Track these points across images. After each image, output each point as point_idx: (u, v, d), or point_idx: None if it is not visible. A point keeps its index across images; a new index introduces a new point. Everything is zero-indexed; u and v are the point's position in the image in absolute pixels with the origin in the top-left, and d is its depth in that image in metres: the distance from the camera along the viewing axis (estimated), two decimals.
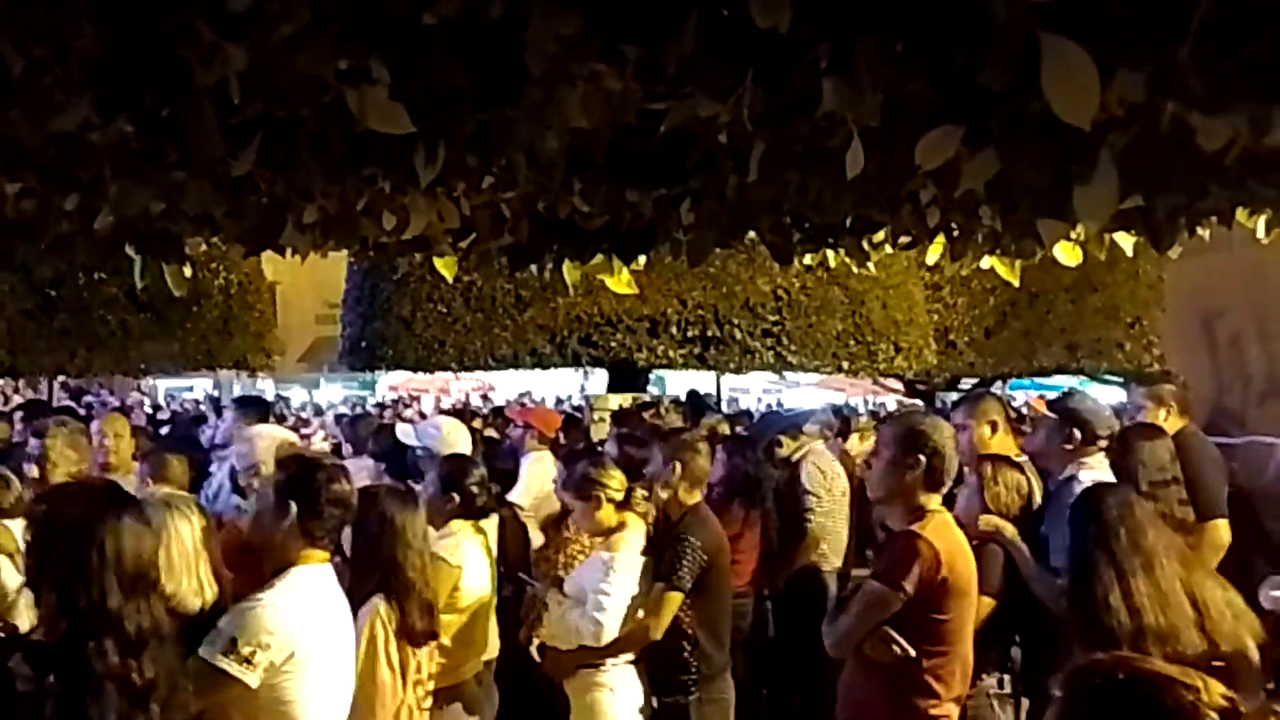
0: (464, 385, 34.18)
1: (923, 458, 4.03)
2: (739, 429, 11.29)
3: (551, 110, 2.21)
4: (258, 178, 2.82)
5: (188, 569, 3.50)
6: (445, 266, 4.35)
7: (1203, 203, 3.13)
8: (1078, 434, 5.18)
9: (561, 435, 8.59)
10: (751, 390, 34.26)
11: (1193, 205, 3.18)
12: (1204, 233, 3.95)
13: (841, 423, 15.55)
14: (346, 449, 8.62)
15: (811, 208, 3.64)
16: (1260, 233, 3.92)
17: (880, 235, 4.25)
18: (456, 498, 5.01)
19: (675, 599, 5.07)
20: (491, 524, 5.93)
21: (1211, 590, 4.14)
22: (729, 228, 3.78)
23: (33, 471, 5.73)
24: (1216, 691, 1.82)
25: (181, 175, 2.79)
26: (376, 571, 4.21)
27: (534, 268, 4.64)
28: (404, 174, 2.69)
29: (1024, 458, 5.57)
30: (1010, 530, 4.87)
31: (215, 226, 3.48)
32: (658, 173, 3.07)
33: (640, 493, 5.39)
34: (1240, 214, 3.76)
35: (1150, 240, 3.74)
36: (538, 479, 7.18)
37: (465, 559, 4.92)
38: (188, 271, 4.21)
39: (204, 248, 4.06)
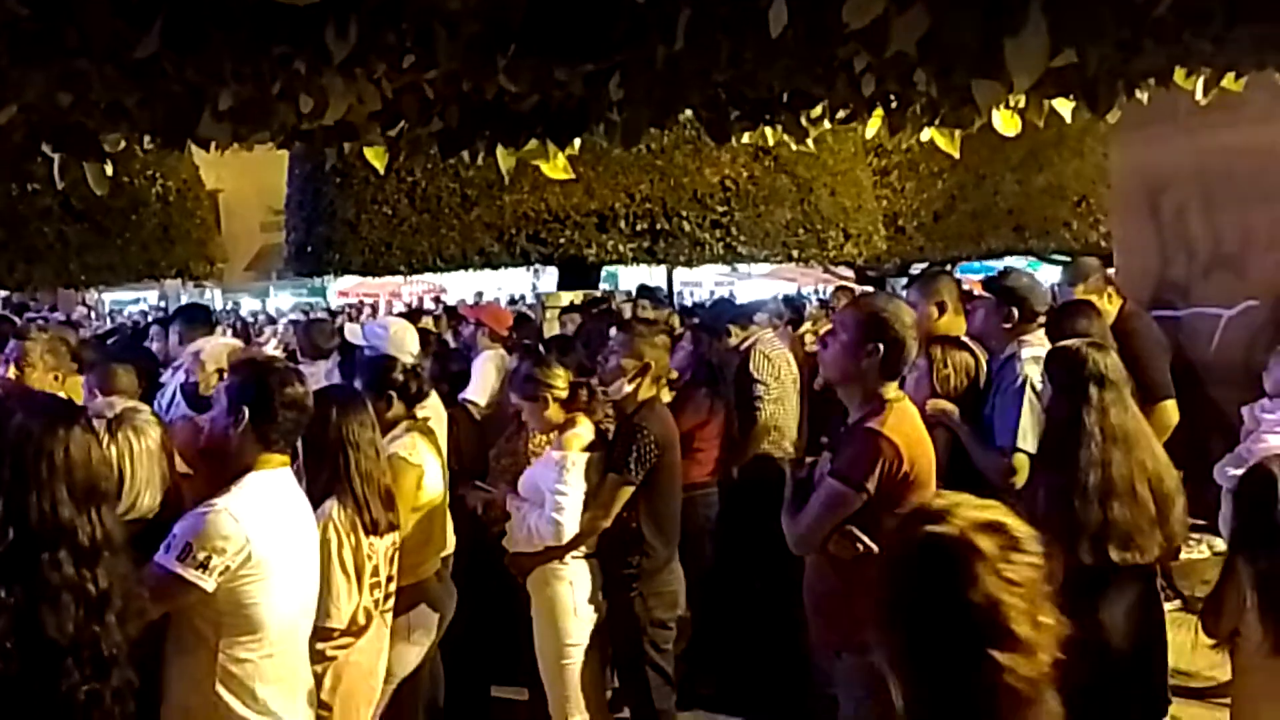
0: (415, 289, 34.05)
1: (881, 345, 3.89)
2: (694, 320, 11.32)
3: None
4: (165, 62, 2.72)
5: (147, 481, 3.49)
6: (375, 157, 4.25)
7: (1138, 60, 3.08)
8: (1015, 312, 5.17)
9: (513, 333, 8.55)
10: (703, 283, 34.29)
11: (1128, 63, 3.13)
12: (1143, 96, 3.91)
13: (793, 313, 15.64)
14: (302, 356, 8.55)
15: (744, 81, 3.57)
16: (1199, 94, 3.88)
17: (818, 110, 4.18)
18: (392, 395, 4.96)
19: (626, 491, 5.08)
20: (443, 422, 5.92)
21: (1171, 480, 4.18)
22: (661, 104, 3.69)
23: (10, 372, 5.69)
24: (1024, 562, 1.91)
25: (85, 62, 2.69)
26: (326, 470, 4.20)
27: (473, 159, 4.54)
28: (317, 52, 2.60)
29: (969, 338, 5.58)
30: (955, 412, 4.88)
31: (129, 119, 3.37)
32: (583, 47, 2.99)
33: (598, 390, 5.39)
34: (1179, 75, 3.72)
35: (1088, 104, 3.69)
36: (492, 377, 7.14)
37: (422, 458, 4.91)
38: (109, 170, 4.09)
39: (123, 146, 3.94)
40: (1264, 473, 4.17)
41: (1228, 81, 3.83)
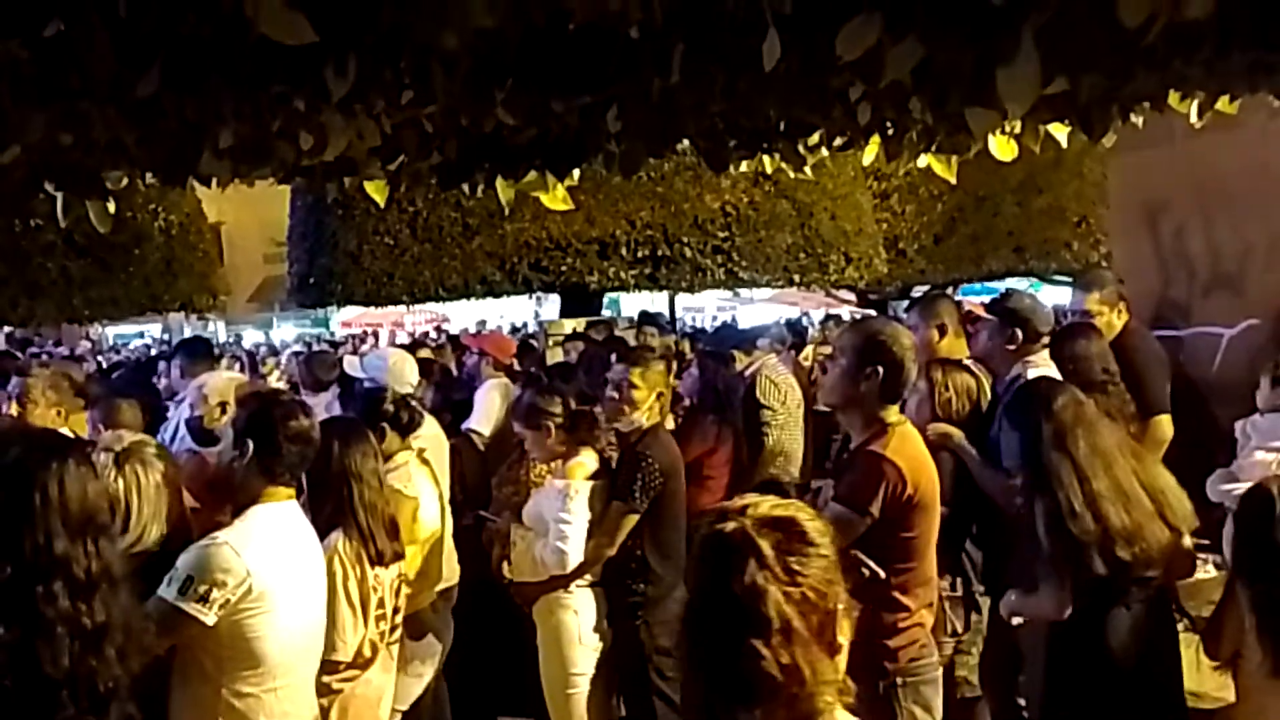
0: (418, 318, 34.05)
1: (880, 369, 3.88)
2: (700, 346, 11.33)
3: (452, 7, 2.14)
4: (165, 102, 2.74)
5: (154, 515, 3.50)
6: (376, 190, 4.27)
7: (1131, 86, 3.10)
8: (1019, 333, 5.19)
9: (516, 361, 8.57)
10: (706, 309, 34.27)
11: (1121, 89, 3.15)
12: (1138, 120, 3.92)
13: (795, 338, 15.64)
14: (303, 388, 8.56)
15: (741, 111, 3.59)
16: (1194, 117, 3.90)
17: (815, 138, 4.20)
18: (384, 427, 4.96)
19: (631, 520, 5.08)
20: (443, 452, 5.92)
21: (1165, 477, 4.18)
22: (659, 135, 3.71)
23: (11, 409, 5.70)
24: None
25: (86, 103, 2.71)
26: (330, 502, 4.21)
27: (473, 190, 4.56)
28: (316, 90, 2.61)
29: (971, 360, 5.59)
30: (958, 435, 4.88)
31: (130, 158, 3.40)
32: (579, 80, 3.01)
33: (599, 419, 5.40)
34: (1173, 99, 3.74)
35: (1083, 128, 3.71)
36: (496, 406, 7.15)
37: (418, 490, 4.92)
38: (112, 208, 4.12)
39: (126, 183, 3.95)
40: (1263, 494, 4.17)
41: (1222, 104, 3.85)
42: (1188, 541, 4.23)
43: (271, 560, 3.42)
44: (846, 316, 20.73)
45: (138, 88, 2.55)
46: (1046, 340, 5.31)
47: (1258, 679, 4.06)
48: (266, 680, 3.43)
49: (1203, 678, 4.70)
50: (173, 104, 2.79)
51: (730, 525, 2.01)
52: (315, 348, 18.70)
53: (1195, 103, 3.81)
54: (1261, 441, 5.19)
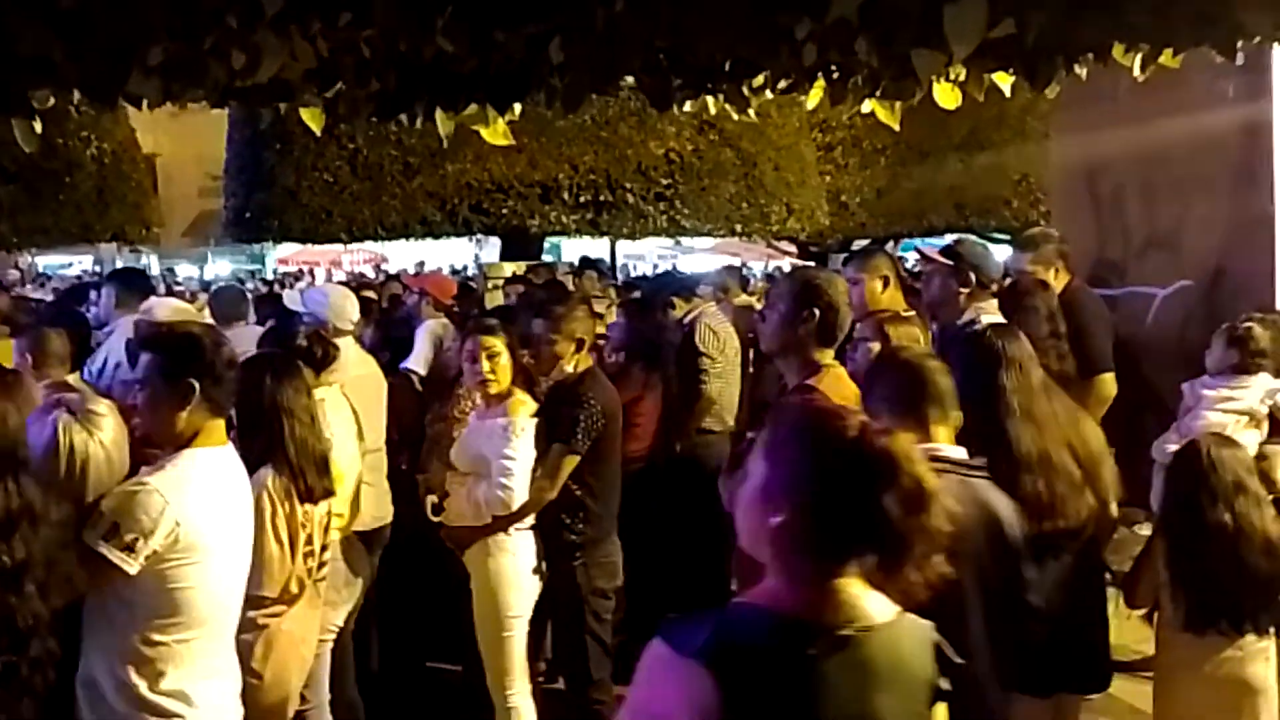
0: (356, 257, 33.76)
1: (816, 311, 4.00)
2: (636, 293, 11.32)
3: None
4: (93, 15, 2.64)
5: (114, 476, 3.28)
6: (312, 118, 4.18)
7: (1077, 33, 3.09)
8: (973, 278, 5.21)
9: (455, 304, 8.50)
10: (646, 256, 34.21)
11: (1067, 35, 3.14)
12: (1082, 72, 3.92)
13: (739, 283, 15.65)
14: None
15: (686, 48, 3.55)
16: (1136, 70, 3.91)
17: (760, 80, 4.17)
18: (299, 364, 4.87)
19: (572, 461, 5.05)
20: (379, 391, 5.87)
21: (1098, 441, 4.22)
22: (603, 69, 3.65)
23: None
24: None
25: (10, 16, 2.61)
26: (260, 437, 4.15)
27: (412, 122, 4.47)
28: (249, 7, 2.54)
29: (912, 313, 5.61)
30: None
31: (57, 75, 3.28)
32: (522, 8, 2.95)
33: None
34: (1118, 52, 3.74)
35: (1027, 77, 3.70)
36: (430, 344, 7.09)
37: (333, 429, 4.85)
38: (39, 128, 3.98)
39: (52, 102, 3.82)
40: (1192, 448, 4.24)
41: (1165, 58, 3.85)
42: (1113, 509, 4.28)
43: (203, 510, 3.27)
44: (788, 269, 20.78)
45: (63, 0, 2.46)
46: (994, 289, 5.36)
47: (1171, 632, 4.16)
48: (183, 630, 3.28)
49: (1124, 630, 4.79)
50: (100, 18, 2.69)
51: None
52: (249, 284, 18.49)
53: (1139, 56, 3.81)
54: (1210, 403, 5.27)
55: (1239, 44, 3.47)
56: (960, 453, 3.38)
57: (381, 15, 2.83)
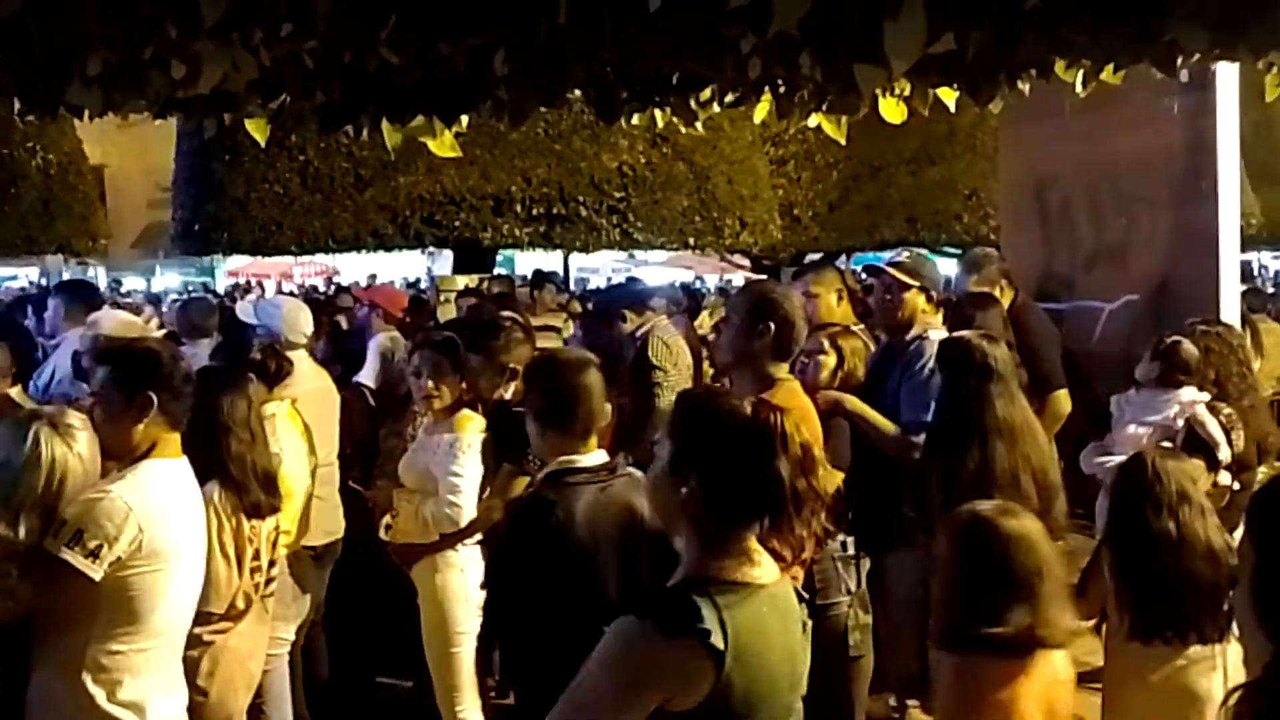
0: (307, 270, 33.51)
1: (772, 325, 4.05)
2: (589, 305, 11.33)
3: None
4: (29, 24, 2.61)
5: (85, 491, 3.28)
6: (257, 129, 4.14)
7: (1018, 49, 3.12)
8: (925, 293, 5.24)
9: (407, 316, 8.46)
10: (600, 270, 34.18)
11: (1008, 52, 3.17)
12: (1024, 88, 3.96)
13: (691, 300, 15.66)
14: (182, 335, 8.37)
15: (632, 60, 3.55)
16: (1078, 87, 3.95)
17: (707, 93, 4.18)
18: (251, 377, 4.84)
19: (522, 482, 5.01)
20: (331, 405, 5.83)
21: (1054, 472, 4.26)
22: (548, 82, 3.65)
23: None
24: None
25: None
26: (204, 453, 4.11)
27: (358, 134, 4.44)
28: (188, 16, 2.51)
29: (860, 326, 5.63)
30: (849, 399, 4.91)
31: None
32: (465, 20, 2.94)
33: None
34: (1060, 68, 3.78)
35: (969, 93, 3.74)
36: (384, 359, 7.05)
37: (283, 444, 4.81)
38: None
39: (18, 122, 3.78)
40: (1137, 461, 4.28)
41: (1106, 75, 3.90)
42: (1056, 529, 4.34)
43: (163, 520, 3.30)
44: (740, 283, 20.83)
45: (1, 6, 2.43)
46: (939, 303, 5.40)
47: (1118, 642, 4.19)
48: (140, 639, 3.30)
49: (1075, 644, 4.83)
50: (38, 27, 2.66)
51: None
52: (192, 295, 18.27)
53: (1081, 72, 3.86)
54: (1135, 415, 5.32)
55: (1179, 61, 3.52)
56: (598, 458, 3.44)
57: (324, 26, 2.81)
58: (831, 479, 2.56)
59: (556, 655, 2.84)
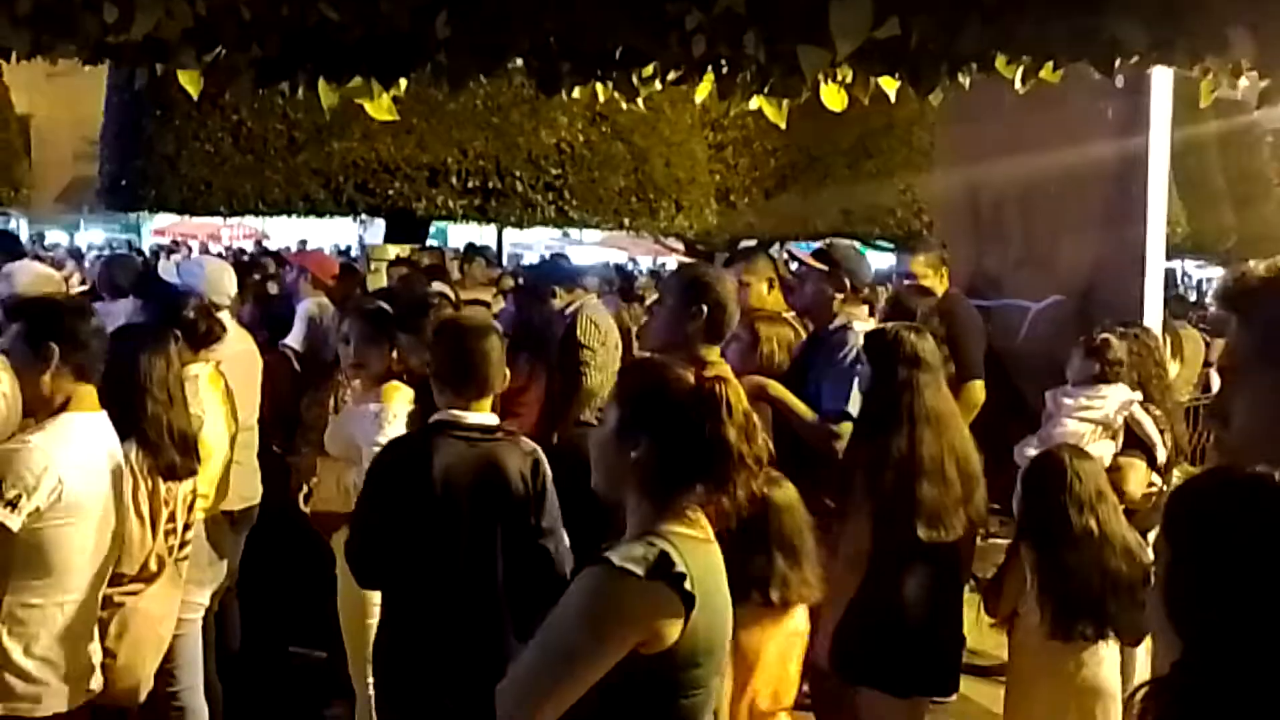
0: (235, 232, 33.04)
1: (704, 308, 4.07)
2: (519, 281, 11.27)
3: None
4: None
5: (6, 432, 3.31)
6: (189, 81, 4.05)
7: (961, 40, 3.14)
8: (847, 283, 5.26)
9: (335, 282, 8.36)
10: (534, 246, 34.03)
11: (950, 41, 3.18)
12: (965, 81, 3.99)
13: (624, 280, 15.64)
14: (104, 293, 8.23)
15: (575, 33, 3.53)
16: (1017, 83, 3.98)
17: (649, 70, 4.16)
18: (178, 334, 4.77)
19: None
20: (254, 369, 5.75)
21: (975, 461, 4.31)
22: (490, 48, 3.61)
23: None
24: None
25: None
26: (121, 412, 4.05)
27: (293, 91, 4.36)
28: None
29: (790, 313, 5.66)
30: (774, 385, 4.92)
31: None
32: None
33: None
34: (1000, 64, 3.81)
35: (911, 82, 3.75)
36: (311, 324, 6.96)
37: (204, 407, 4.75)
38: None
39: None
40: (1051, 459, 4.34)
41: (1045, 72, 3.93)
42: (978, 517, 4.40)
43: (82, 472, 3.33)
44: (674, 266, 20.84)
45: None
46: (866, 293, 5.43)
47: (1035, 639, 4.25)
48: (56, 593, 3.32)
49: (984, 636, 4.89)
50: None
51: None
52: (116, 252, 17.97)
53: (1021, 69, 3.89)
54: (1069, 411, 5.40)
55: (1117, 62, 3.55)
56: (485, 419, 3.84)
57: None
58: (768, 445, 2.64)
59: (400, 570, 3.70)
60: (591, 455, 2.65)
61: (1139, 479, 5.06)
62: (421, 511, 3.68)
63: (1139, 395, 5.36)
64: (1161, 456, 5.26)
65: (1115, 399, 5.29)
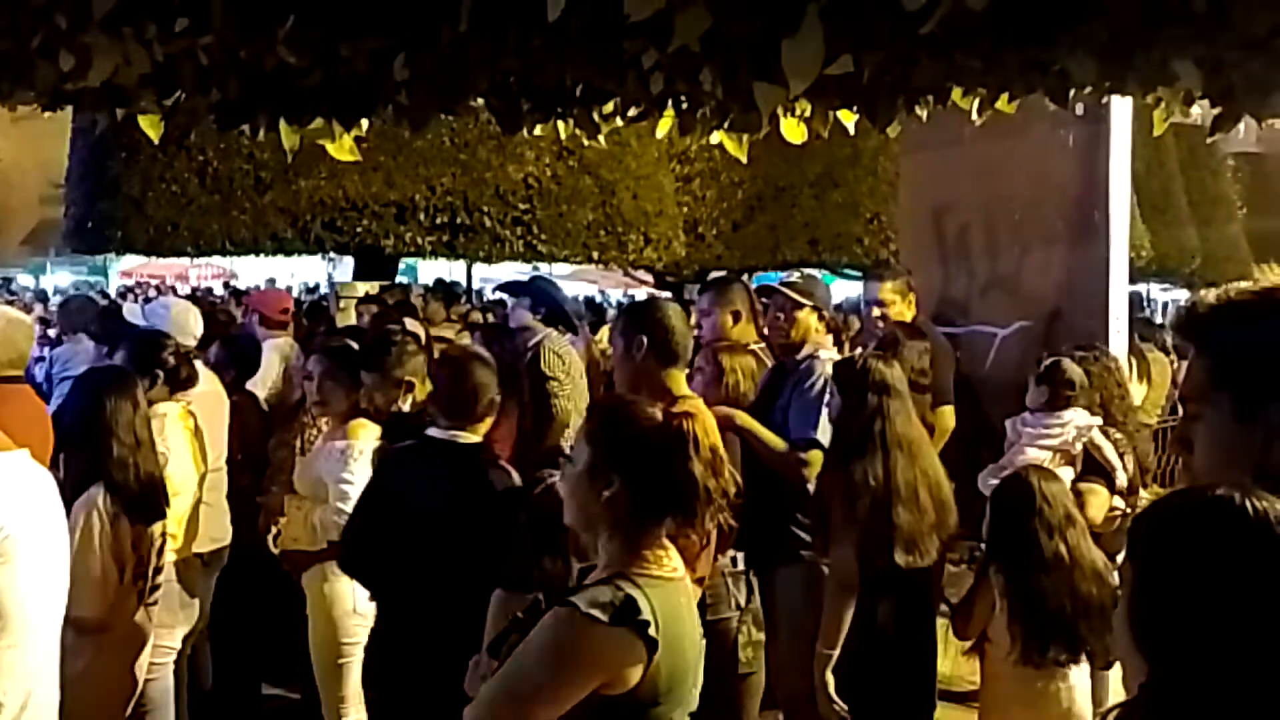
0: (204, 272, 32.90)
1: (644, 337, 4.08)
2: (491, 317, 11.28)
3: None
4: None
5: None
6: (150, 125, 4.06)
7: (914, 74, 3.17)
8: (817, 313, 5.29)
9: (304, 321, 8.36)
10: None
11: (904, 76, 3.22)
12: (922, 113, 4.03)
13: (594, 314, 15.63)
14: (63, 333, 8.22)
15: (534, 71, 3.55)
16: (974, 114, 4.03)
17: (610, 106, 4.19)
18: (159, 375, 4.77)
19: None
20: (221, 410, 5.73)
21: (946, 487, 4.34)
22: (449, 89, 3.63)
23: None
24: None
25: None
26: (87, 456, 4.04)
27: (254, 133, 4.36)
28: (79, 7, 2.44)
29: (760, 345, 5.67)
30: (741, 415, 4.94)
31: None
32: (364, 21, 2.91)
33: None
34: (956, 95, 3.85)
35: (868, 115, 3.79)
36: (275, 365, 6.95)
37: (170, 446, 4.73)
38: None
39: None
40: (1020, 483, 4.36)
41: (1001, 103, 3.98)
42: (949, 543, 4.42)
43: (16, 509, 3.16)
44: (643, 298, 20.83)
45: None
46: (831, 322, 5.47)
47: (1006, 665, 4.25)
48: (4, 637, 3.22)
49: (958, 662, 4.90)
50: None
51: None
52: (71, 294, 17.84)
53: (977, 100, 3.93)
54: (1032, 440, 5.43)
55: (1071, 93, 3.60)
56: (476, 440, 4.13)
57: (220, 22, 2.76)
58: (735, 478, 2.74)
59: (391, 580, 3.96)
60: (563, 494, 2.70)
61: (1099, 504, 5.07)
62: (410, 523, 3.91)
63: (1098, 420, 5.39)
64: (1122, 480, 5.28)
65: (1073, 424, 5.32)
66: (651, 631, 2.42)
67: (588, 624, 2.40)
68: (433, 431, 4.15)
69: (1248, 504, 1.60)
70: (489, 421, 4.30)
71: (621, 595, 2.43)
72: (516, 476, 4.19)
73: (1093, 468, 5.25)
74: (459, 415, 4.14)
